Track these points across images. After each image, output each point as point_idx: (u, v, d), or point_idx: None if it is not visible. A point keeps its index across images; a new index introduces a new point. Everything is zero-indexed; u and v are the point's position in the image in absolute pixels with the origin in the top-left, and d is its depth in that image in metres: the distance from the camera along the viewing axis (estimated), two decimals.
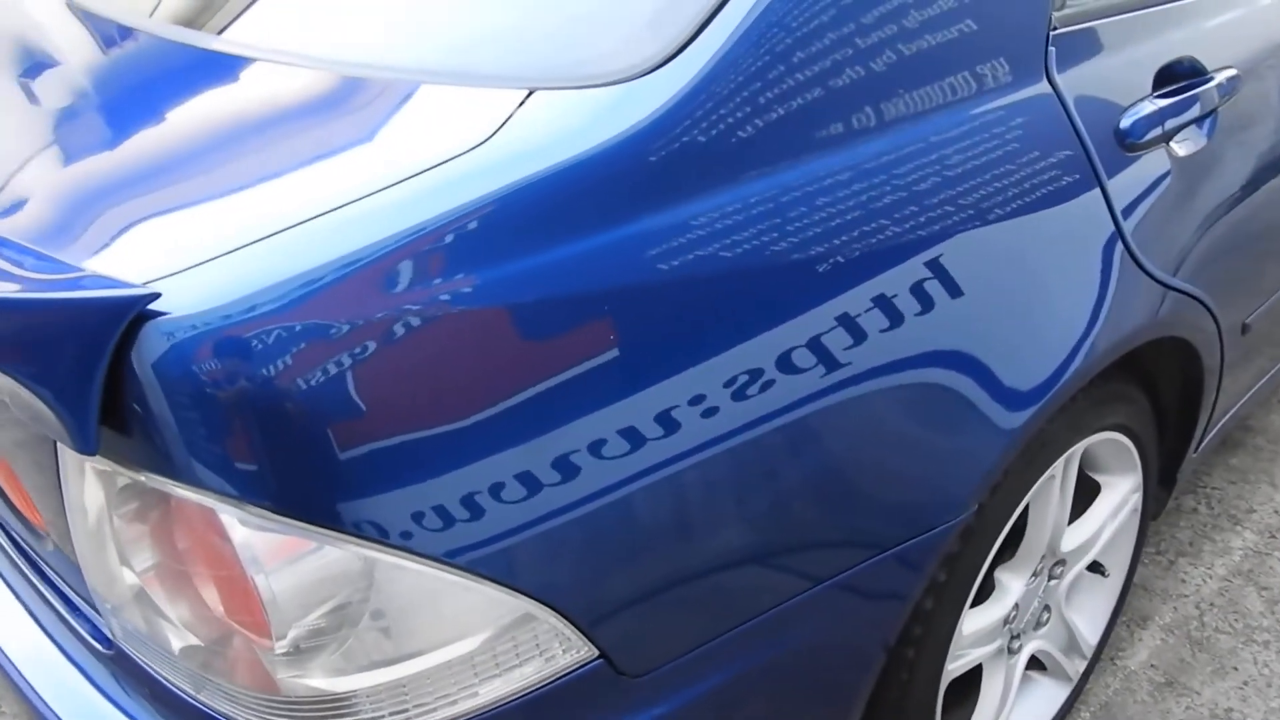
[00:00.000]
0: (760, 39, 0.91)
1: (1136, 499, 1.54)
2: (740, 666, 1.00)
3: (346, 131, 0.92)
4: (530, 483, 0.82)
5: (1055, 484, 1.32)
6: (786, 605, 1.01)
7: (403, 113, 0.94)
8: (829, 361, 0.95)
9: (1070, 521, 1.47)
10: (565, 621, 0.87)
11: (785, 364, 0.92)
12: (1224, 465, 2.21)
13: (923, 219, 1.01)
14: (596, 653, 0.89)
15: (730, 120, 0.90)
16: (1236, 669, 1.76)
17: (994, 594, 1.39)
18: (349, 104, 0.97)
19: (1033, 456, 1.24)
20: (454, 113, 0.91)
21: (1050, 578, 1.47)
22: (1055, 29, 1.16)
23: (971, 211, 1.05)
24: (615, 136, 0.85)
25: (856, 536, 1.04)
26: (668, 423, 0.87)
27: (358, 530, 0.78)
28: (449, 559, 0.81)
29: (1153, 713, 1.69)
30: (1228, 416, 1.82)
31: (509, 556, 0.83)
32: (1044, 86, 1.14)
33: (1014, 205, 1.09)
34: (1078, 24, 1.20)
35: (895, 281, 0.99)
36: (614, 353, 0.84)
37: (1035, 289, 1.12)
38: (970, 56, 1.07)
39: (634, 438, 0.85)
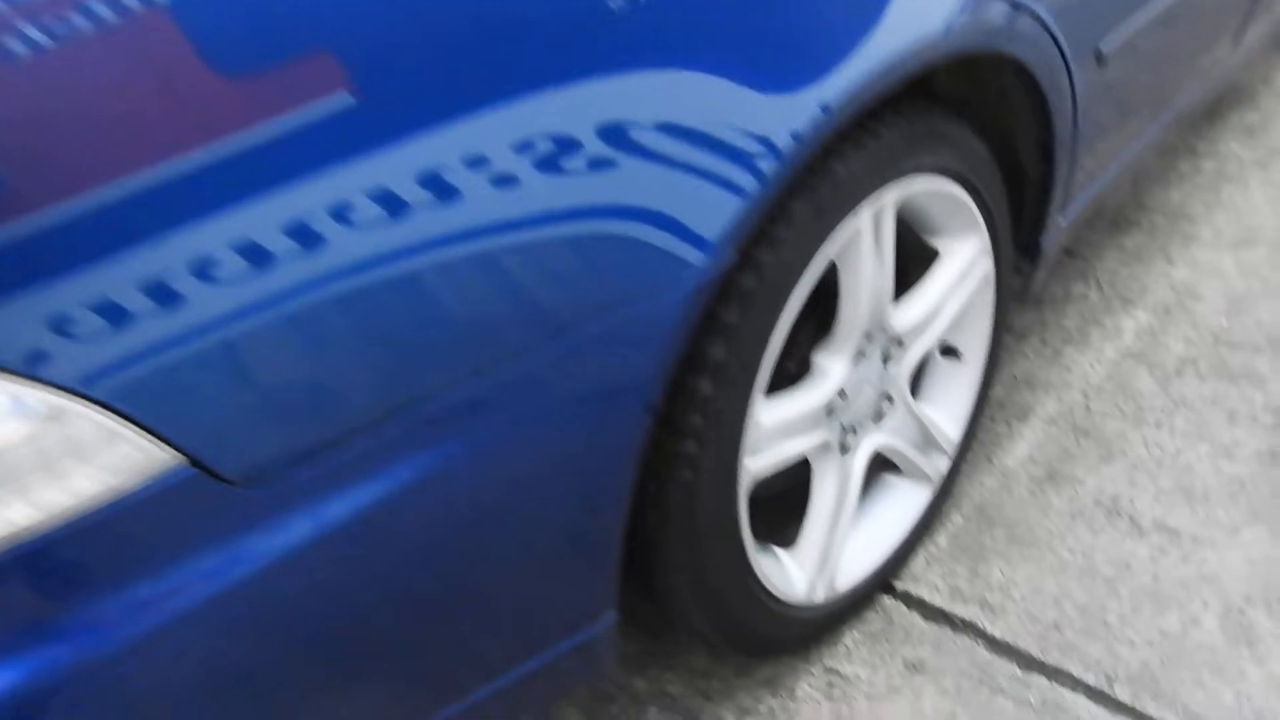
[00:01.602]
0: None
1: (986, 267, 1.34)
2: (423, 466, 0.80)
3: None
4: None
5: (864, 240, 1.11)
6: (477, 385, 0.80)
7: None
8: None
9: (902, 295, 1.28)
10: (119, 419, 0.66)
11: None
12: (1116, 247, 2.02)
13: None
14: (183, 459, 0.69)
15: None
16: (1125, 453, 1.59)
17: (808, 378, 1.20)
18: None
19: (820, 200, 1.03)
20: None
21: (885, 362, 1.27)
22: None
23: None
24: None
25: (564, 295, 0.83)
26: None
27: None
28: None
29: (1031, 508, 1.52)
30: (1102, 179, 1.61)
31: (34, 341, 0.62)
32: None
33: None
34: None
35: None
36: None
37: None
38: None
39: None
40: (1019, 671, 1.32)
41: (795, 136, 0.92)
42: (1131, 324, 1.83)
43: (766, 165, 0.91)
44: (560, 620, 1.02)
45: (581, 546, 0.99)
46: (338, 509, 0.76)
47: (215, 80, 0.68)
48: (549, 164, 0.79)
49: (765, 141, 0.91)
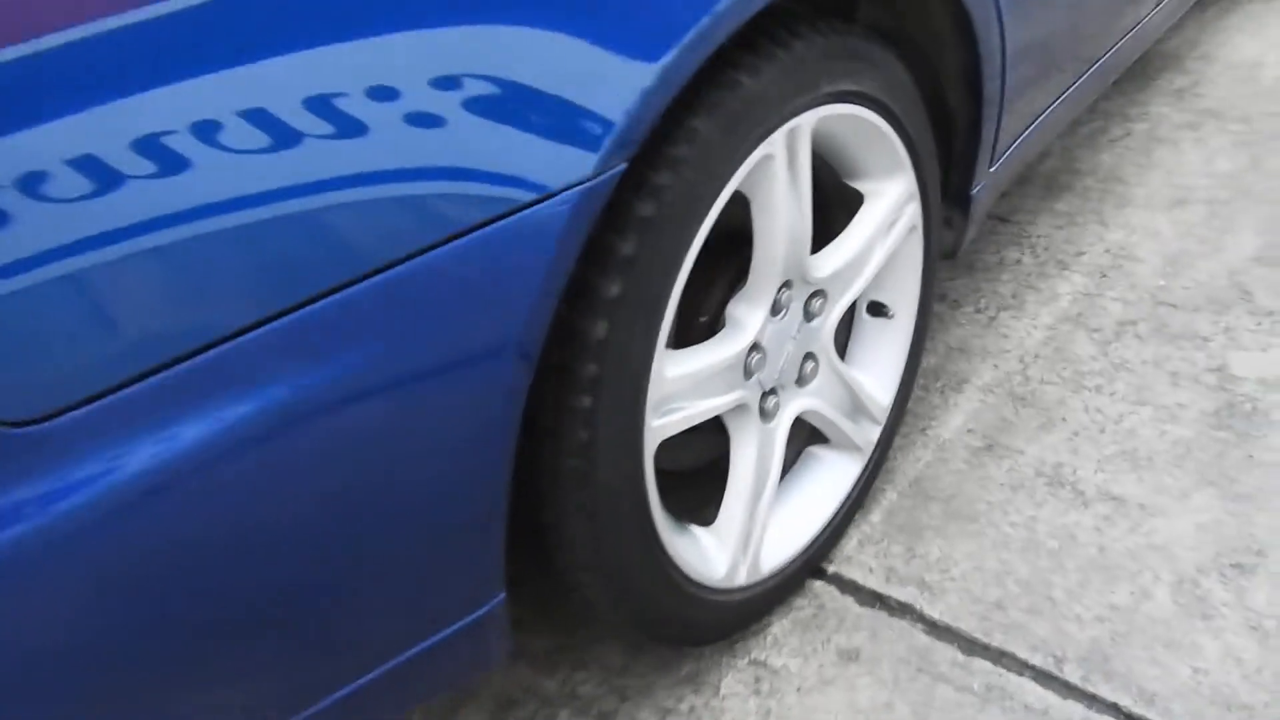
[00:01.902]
0: None
1: (913, 213, 1.22)
2: (252, 411, 0.65)
3: None
4: None
5: (778, 169, 0.99)
6: (318, 317, 0.66)
7: None
8: None
9: (827, 242, 1.16)
10: None
11: None
12: (1049, 211, 1.93)
13: None
14: None
15: None
16: (1065, 420, 1.49)
17: (722, 331, 1.07)
18: None
19: (726, 117, 0.90)
20: None
21: (808, 316, 1.15)
22: None
23: None
24: None
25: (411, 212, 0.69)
26: None
27: None
28: None
29: (969, 480, 1.41)
30: (1031, 129, 1.51)
31: None
32: None
33: None
34: None
35: None
36: None
37: None
38: None
39: None
40: (960, 656, 1.20)
41: (693, 11, 0.80)
42: (1068, 288, 1.73)
43: (661, 47, 0.78)
44: (439, 603, 0.87)
45: (459, 519, 0.84)
46: (145, 456, 0.61)
47: None
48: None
49: (662, 15, 0.78)
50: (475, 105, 0.69)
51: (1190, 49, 2.44)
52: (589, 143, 0.75)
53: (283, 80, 0.63)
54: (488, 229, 0.71)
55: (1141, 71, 2.36)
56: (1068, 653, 1.19)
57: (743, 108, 0.91)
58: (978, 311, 1.71)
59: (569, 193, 0.75)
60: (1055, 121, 1.61)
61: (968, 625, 1.23)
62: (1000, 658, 1.19)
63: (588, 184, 0.76)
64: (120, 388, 0.60)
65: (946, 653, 1.21)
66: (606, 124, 0.75)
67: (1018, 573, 1.28)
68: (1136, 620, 1.21)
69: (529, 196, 0.73)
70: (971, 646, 1.21)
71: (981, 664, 1.19)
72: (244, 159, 0.62)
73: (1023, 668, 1.18)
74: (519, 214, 0.73)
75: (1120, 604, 1.23)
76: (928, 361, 1.61)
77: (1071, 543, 1.31)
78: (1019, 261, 1.81)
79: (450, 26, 0.69)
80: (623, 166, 0.78)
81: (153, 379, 0.61)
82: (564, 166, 0.74)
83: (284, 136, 0.63)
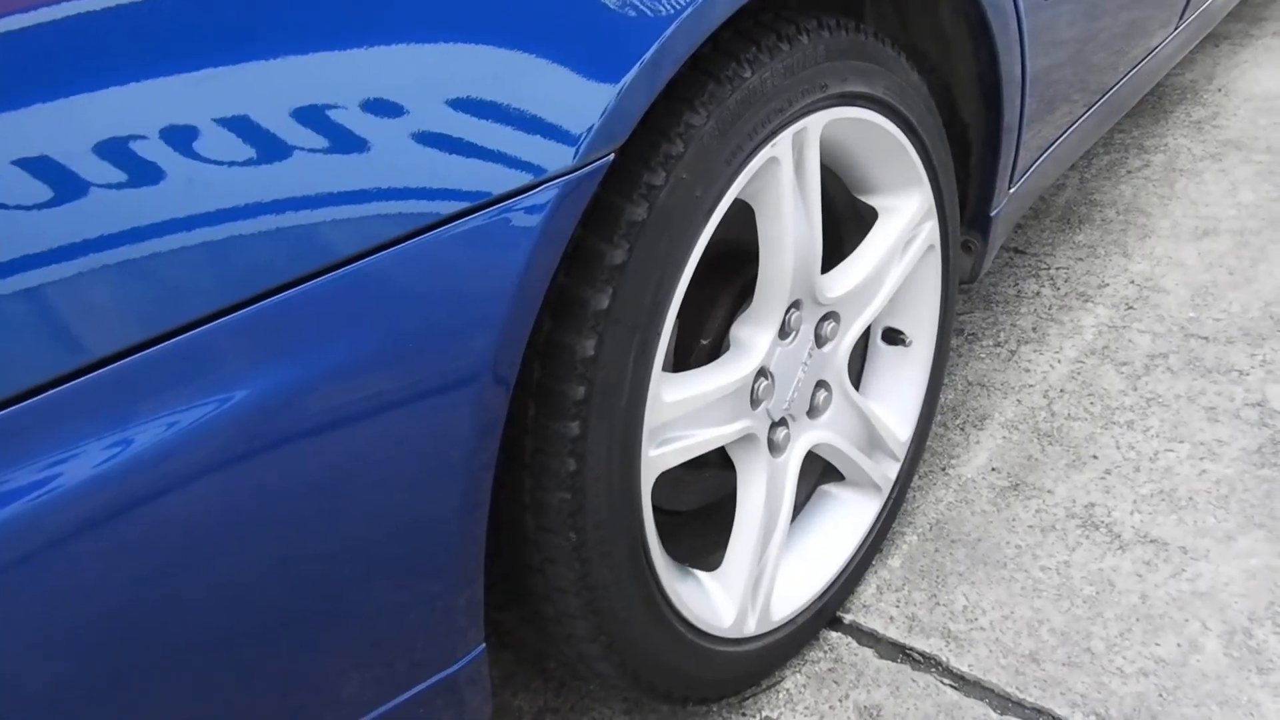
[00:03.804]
0: None
1: (930, 231, 1.14)
2: (197, 423, 0.56)
3: None
4: None
5: (784, 174, 0.90)
6: (276, 318, 0.57)
7: None
8: None
9: (839, 262, 1.07)
10: None
11: None
12: (1069, 243, 1.85)
13: None
14: None
15: None
16: (1096, 457, 1.39)
17: (726, 354, 0.98)
18: None
19: (726, 113, 0.82)
20: None
21: (820, 341, 1.06)
22: None
23: None
24: None
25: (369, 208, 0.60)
26: None
27: None
28: None
29: (995, 523, 1.31)
30: (1050, 151, 1.44)
31: None
32: None
33: None
34: None
35: None
36: None
37: None
38: None
39: None
40: (992, 713, 1.09)
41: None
42: (1092, 320, 1.64)
43: (651, 28, 0.70)
44: (410, 656, 0.77)
45: (430, 562, 0.74)
46: (74, 473, 0.52)
47: None
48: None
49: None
50: (435, 96, 0.61)
51: (1206, 82, 2.38)
52: (563, 133, 0.67)
53: (246, 82, 0.55)
54: (450, 226, 0.63)
55: (1157, 104, 2.29)
56: (1110, 710, 1.08)
57: (743, 104, 0.83)
58: (997, 345, 1.62)
59: (544, 188, 0.66)
60: (1074, 145, 1.53)
61: (999, 679, 1.12)
62: (1037, 715, 1.08)
63: (566, 177, 0.67)
64: (62, 381, 0.51)
65: (977, 709, 1.10)
66: (585, 108, 0.67)
67: (1052, 622, 1.17)
68: (1185, 675, 1.10)
69: (498, 190, 0.64)
70: (1004, 703, 1.10)
71: None
72: (211, 156, 0.54)
73: None
74: (484, 210, 0.64)
75: (1167, 657, 1.12)
76: (946, 397, 1.52)
77: (1110, 589, 1.20)
78: (1038, 294, 1.73)
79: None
80: (609, 158, 0.70)
81: (100, 371, 0.52)
82: (538, 157, 0.66)
83: (249, 132, 0.55)
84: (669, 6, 0.72)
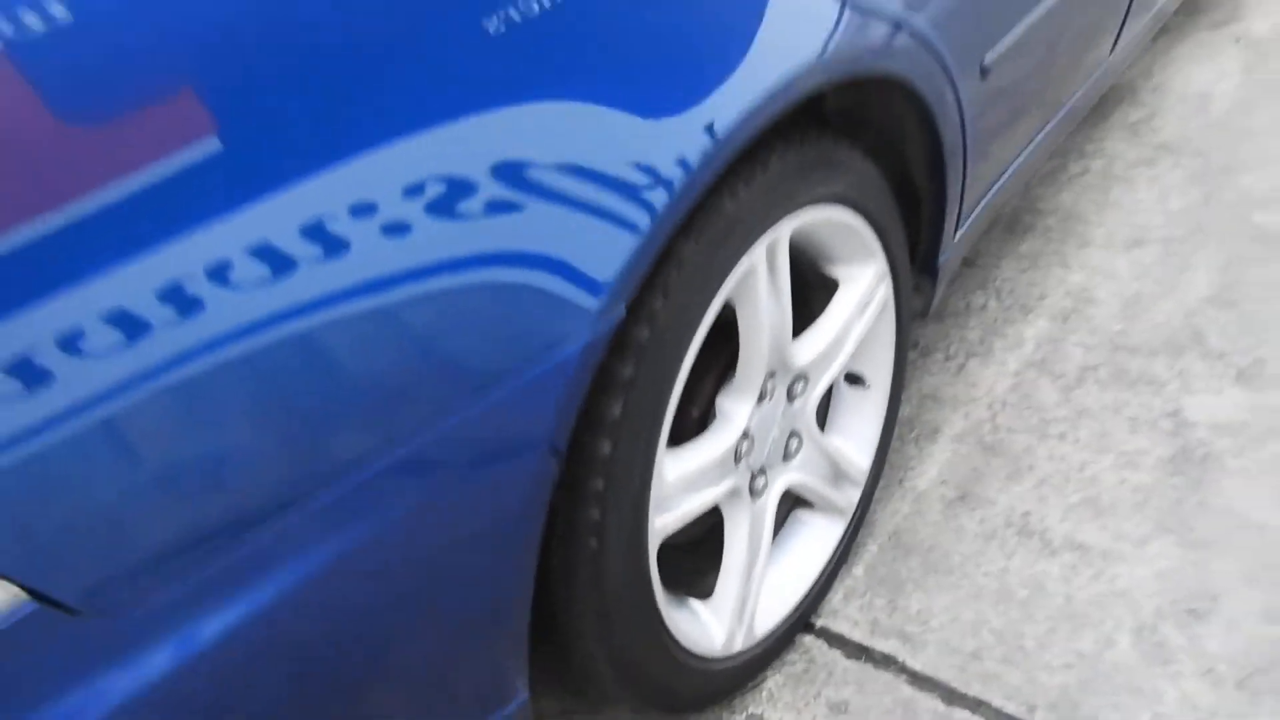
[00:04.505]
0: None
1: (885, 292, 1.31)
2: (311, 565, 0.73)
3: None
4: None
5: (760, 277, 1.07)
6: (347, 485, 0.73)
7: None
8: None
9: (804, 329, 1.24)
10: None
11: None
12: (1013, 254, 2.02)
13: None
14: (24, 595, 0.60)
15: None
16: (1032, 468, 1.58)
17: (713, 425, 1.15)
18: None
19: (711, 240, 0.98)
20: None
21: (790, 398, 1.23)
22: None
23: None
24: None
25: (468, 350, 0.76)
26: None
27: None
28: None
29: (945, 532, 1.50)
30: (995, 189, 1.60)
31: None
32: None
33: None
34: None
35: None
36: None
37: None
38: None
39: None
40: (941, 706, 1.29)
41: (683, 164, 0.87)
42: (1032, 333, 1.83)
43: (656, 198, 0.85)
44: (469, 706, 0.95)
45: (489, 627, 0.92)
46: (211, 629, 0.68)
47: (64, 132, 0.59)
48: (440, 208, 0.73)
49: (652, 172, 0.85)
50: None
51: (1144, 80, 2.54)
52: (610, 278, 0.83)
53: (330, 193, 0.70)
54: (534, 358, 0.81)
55: (1098, 106, 2.45)
56: (1039, 700, 1.28)
57: (726, 229, 0.99)
58: (947, 359, 1.80)
59: (593, 319, 0.83)
60: (1017, 174, 1.69)
61: (947, 676, 1.32)
62: (978, 707, 1.28)
63: (608, 314, 0.84)
64: (193, 562, 0.67)
65: (929, 703, 1.30)
66: (621, 267, 0.84)
67: (992, 623, 1.37)
68: (1101, 667, 1.31)
69: (564, 327, 0.81)
70: (951, 696, 1.30)
71: (961, 713, 1.28)
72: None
73: (998, 716, 1.27)
74: (556, 342, 0.81)
75: (1086, 651, 1.33)
76: (902, 412, 1.70)
77: (1040, 592, 1.40)
78: (985, 307, 1.91)
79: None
80: (622, 311, 0.86)
81: (228, 550, 0.68)
82: (589, 300, 0.82)
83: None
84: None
